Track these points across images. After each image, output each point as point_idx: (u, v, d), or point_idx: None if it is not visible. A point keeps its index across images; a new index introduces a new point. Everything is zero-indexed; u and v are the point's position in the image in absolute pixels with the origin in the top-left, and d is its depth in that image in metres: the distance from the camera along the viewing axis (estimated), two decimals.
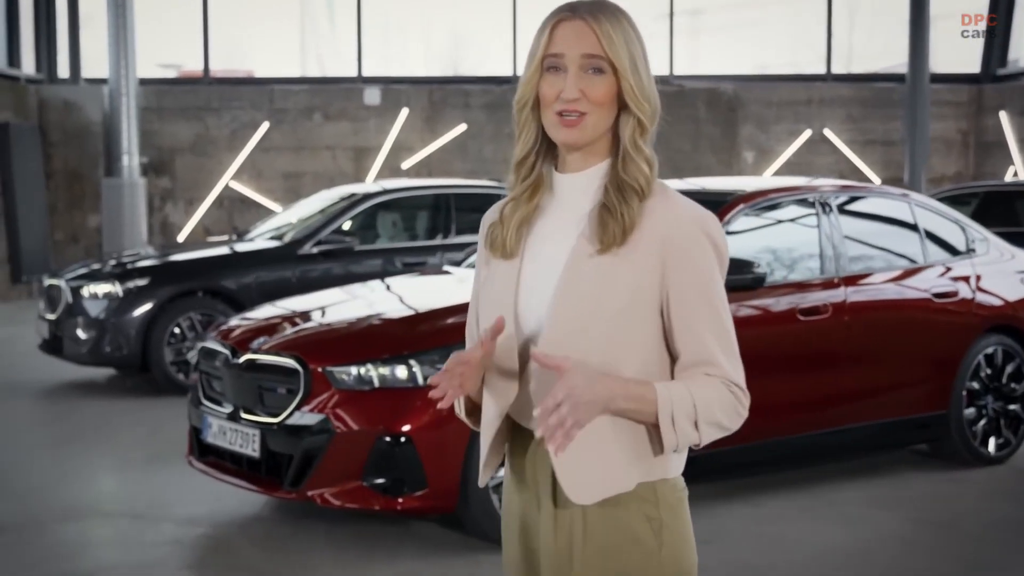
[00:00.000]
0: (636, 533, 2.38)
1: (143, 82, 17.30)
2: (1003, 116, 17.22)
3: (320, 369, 5.80)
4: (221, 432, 6.17)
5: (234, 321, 6.80)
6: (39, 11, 17.94)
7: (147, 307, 9.71)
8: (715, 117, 17.77)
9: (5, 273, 16.37)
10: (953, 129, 17.99)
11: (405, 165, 17.63)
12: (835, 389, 6.71)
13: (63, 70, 18.23)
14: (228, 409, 6.17)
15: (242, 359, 6.12)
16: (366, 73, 18.04)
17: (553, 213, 2.46)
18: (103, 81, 17.27)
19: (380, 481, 5.64)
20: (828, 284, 6.73)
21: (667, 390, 2.30)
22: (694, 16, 18.42)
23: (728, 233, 6.55)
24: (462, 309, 6.08)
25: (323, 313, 6.57)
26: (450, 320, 5.93)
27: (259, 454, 5.94)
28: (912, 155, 16.93)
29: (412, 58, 19.62)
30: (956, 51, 18.67)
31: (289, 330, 6.25)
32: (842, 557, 5.78)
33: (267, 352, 6.04)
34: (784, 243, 6.95)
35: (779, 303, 6.54)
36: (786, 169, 17.58)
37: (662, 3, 18.02)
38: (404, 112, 17.66)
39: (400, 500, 5.61)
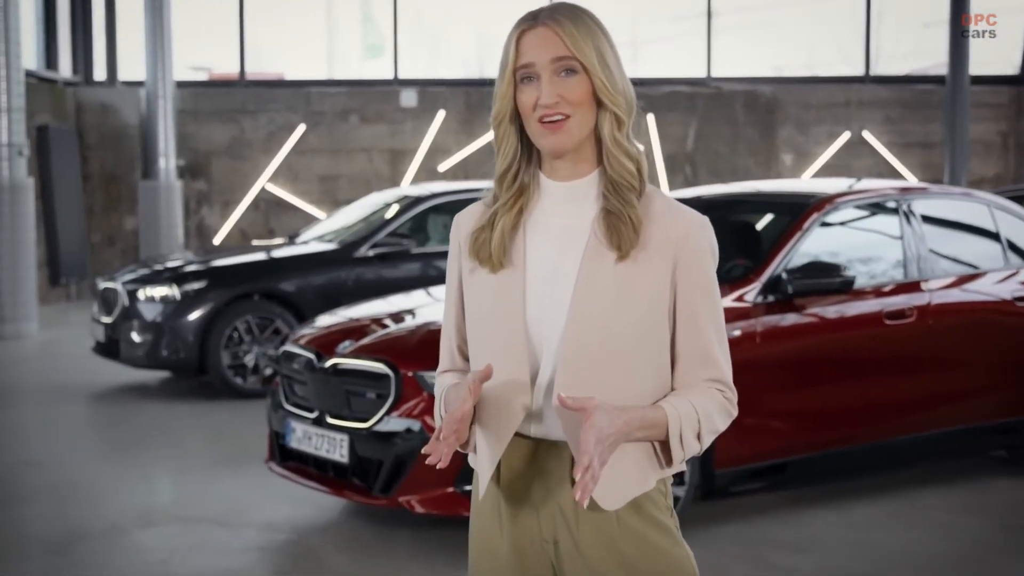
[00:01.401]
0: (660, 520, 2.45)
1: (179, 84, 17.30)
2: None
3: (411, 373, 5.73)
4: (306, 437, 6.11)
5: (314, 324, 6.73)
6: (76, 14, 17.93)
7: (205, 310, 9.66)
8: (753, 119, 17.69)
9: (44, 276, 16.34)
10: (993, 131, 17.89)
11: (442, 167, 17.58)
12: (918, 394, 6.64)
13: (99, 73, 18.20)
14: (313, 414, 6.11)
15: (328, 363, 6.05)
16: (402, 75, 17.99)
17: (550, 221, 2.46)
18: (140, 84, 17.30)
19: (472, 488, 5.56)
20: (912, 287, 6.66)
21: (676, 410, 2.38)
22: (722, 17, 18.29)
23: (812, 236, 6.48)
24: None
25: (411, 316, 6.49)
26: None
27: (347, 459, 5.88)
28: (952, 157, 16.82)
29: (447, 60, 19.56)
30: (994, 51, 18.54)
31: (375, 333, 6.18)
32: (941, 565, 5.70)
33: (354, 356, 5.98)
34: (867, 246, 6.88)
35: (866, 307, 6.47)
36: (825, 172, 17.49)
37: (699, 3, 17.94)
38: (441, 114, 17.61)
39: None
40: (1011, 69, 18.47)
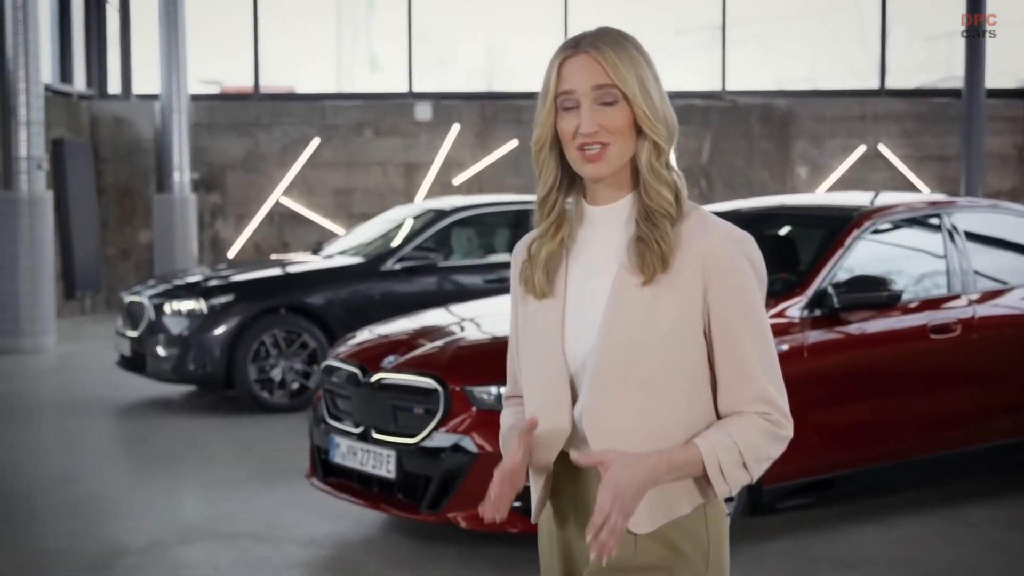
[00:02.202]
0: (686, 553, 2.40)
1: (194, 98, 17.28)
2: None
3: (459, 388, 5.69)
4: (351, 452, 6.06)
5: (357, 339, 6.67)
6: (90, 28, 17.92)
7: (232, 324, 9.61)
8: (768, 132, 17.67)
9: (59, 289, 16.28)
10: (1009, 144, 17.85)
11: (456, 181, 17.54)
12: (964, 408, 6.59)
13: (113, 86, 18.17)
14: (358, 429, 6.06)
15: (374, 378, 6.01)
16: (417, 89, 17.97)
17: (590, 247, 2.46)
18: (154, 97, 17.27)
19: (521, 504, 5.52)
20: (956, 301, 6.62)
21: (710, 445, 2.34)
22: (729, 30, 18.27)
23: (855, 250, 6.44)
24: None
25: (457, 330, 6.44)
26: None
27: (394, 475, 5.83)
28: (968, 171, 16.82)
29: (461, 73, 19.55)
30: (1007, 62, 18.56)
31: (420, 348, 6.13)
32: None
33: (401, 371, 5.93)
34: (909, 259, 6.84)
35: (911, 321, 6.43)
36: (840, 185, 17.45)
37: (712, 16, 17.93)
38: (455, 128, 17.57)
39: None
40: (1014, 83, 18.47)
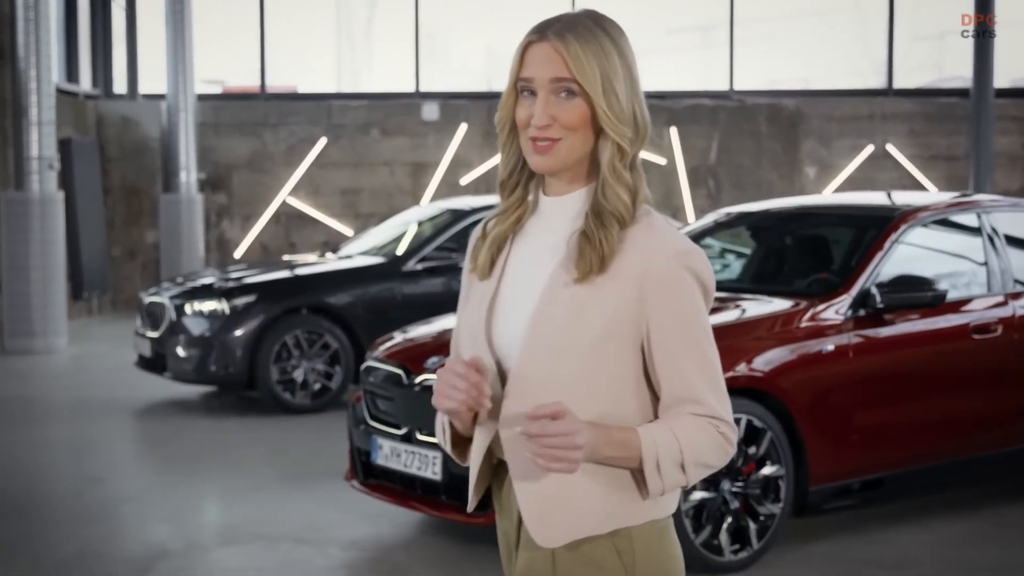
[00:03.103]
0: (603, 564, 2.31)
1: (200, 98, 17.22)
2: None
3: None
4: (394, 454, 6.02)
5: (395, 339, 6.62)
6: (96, 27, 17.84)
7: (254, 324, 9.56)
8: (776, 132, 17.64)
9: (67, 290, 16.20)
10: (1017, 144, 17.85)
11: (464, 181, 17.49)
12: (1006, 407, 6.57)
13: (119, 86, 18.10)
14: (402, 430, 6.02)
15: (418, 379, 5.96)
16: (424, 88, 17.92)
17: (536, 236, 2.39)
18: (160, 97, 17.21)
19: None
20: (997, 301, 6.60)
21: (651, 435, 2.24)
22: (721, 30, 18.25)
23: (897, 250, 6.41)
24: None
25: None
26: None
27: (440, 477, 5.79)
28: (977, 170, 16.81)
29: (465, 73, 19.51)
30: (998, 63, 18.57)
31: None
32: None
33: None
34: (950, 259, 6.81)
35: (954, 320, 6.40)
36: (848, 185, 17.42)
37: (720, 16, 17.91)
38: (463, 127, 17.52)
39: None
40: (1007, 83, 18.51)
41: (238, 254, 17.46)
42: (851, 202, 7.51)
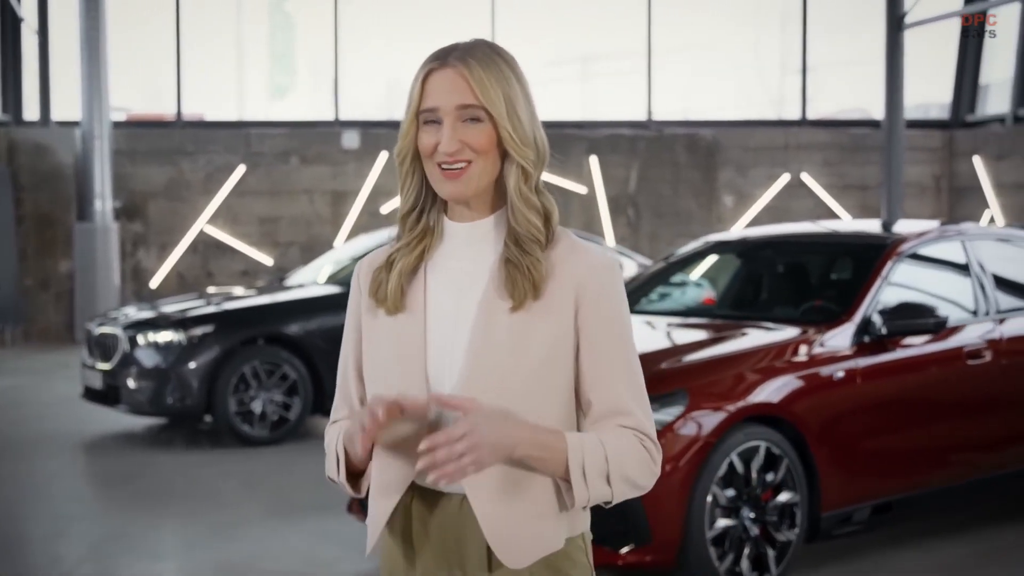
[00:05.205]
0: (577, 560, 2.34)
1: (115, 125, 16.88)
2: (977, 161, 17.57)
3: None
4: None
5: None
6: (6, 53, 17.42)
7: (212, 355, 9.38)
8: (695, 162, 17.87)
9: None
10: (927, 174, 18.32)
11: (384, 210, 17.40)
12: (997, 432, 6.72)
13: (30, 112, 17.68)
14: None
15: None
16: (343, 117, 17.81)
17: (449, 264, 2.38)
18: (74, 124, 16.83)
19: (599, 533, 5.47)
20: (986, 327, 6.75)
21: (579, 441, 2.23)
22: (620, 60, 18.46)
23: (894, 277, 6.53)
24: (672, 354, 5.98)
25: None
26: (663, 364, 5.81)
27: None
28: (889, 199, 17.21)
29: (388, 101, 19.44)
30: (924, 94, 19.10)
31: None
32: None
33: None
34: (943, 285, 6.95)
35: (949, 347, 6.53)
36: (765, 213, 17.73)
37: (637, 46, 18.11)
38: (383, 156, 17.44)
39: (623, 553, 5.46)
40: (937, 113, 19.01)
41: (154, 284, 17.15)
42: (839, 230, 7.64)
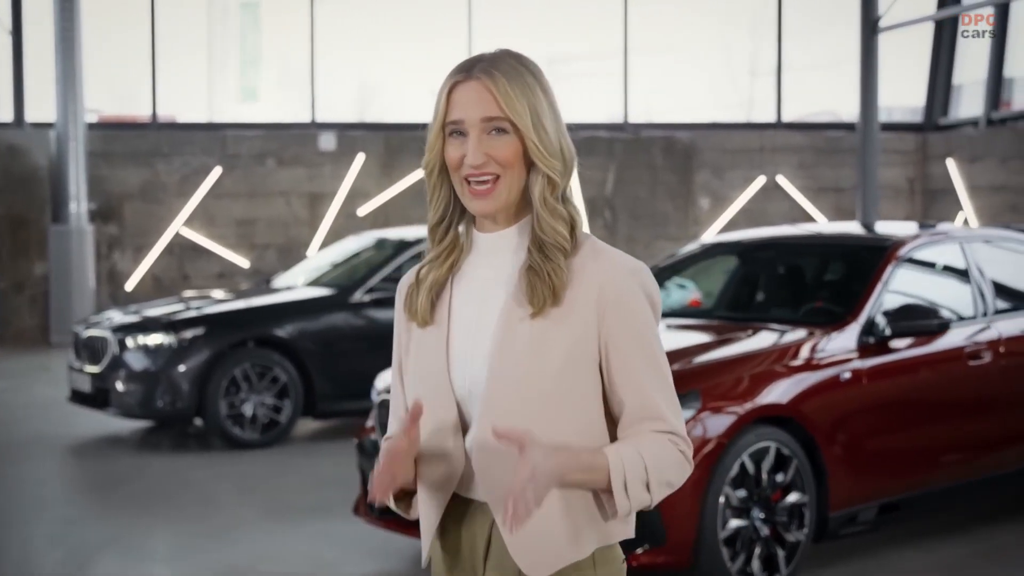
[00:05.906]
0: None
1: (90, 126, 16.77)
2: (950, 164, 17.70)
3: None
4: None
5: None
6: None
7: (203, 358, 9.33)
8: (672, 164, 17.92)
9: None
10: (901, 176, 18.45)
11: (361, 212, 17.36)
12: (997, 432, 6.78)
13: (4, 113, 17.53)
14: None
15: None
16: (320, 119, 17.76)
17: (476, 274, 2.40)
18: (49, 125, 16.70)
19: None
20: (983, 326, 6.80)
21: (618, 456, 2.27)
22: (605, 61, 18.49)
23: (894, 278, 6.57)
24: (682, 355, 5.99)
25: None
26: (675, 366, 5.82)
27: None
28: (864, 202, 17.30)
29: (365, 103, 19.38)
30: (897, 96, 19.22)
31: None
32: None
33: None
34: (942, 287, 7.01)
35: (952, 348, 6.58)
36: (741, 216, 17.80)
37: (613, 47, 18.15)
38: (360, 158, 17.40)
39: (637, 554, 5.46)
40: (908, 116, 19.16)
41: (130, 286, 17.03)
42: (838, 232, 7.68)
